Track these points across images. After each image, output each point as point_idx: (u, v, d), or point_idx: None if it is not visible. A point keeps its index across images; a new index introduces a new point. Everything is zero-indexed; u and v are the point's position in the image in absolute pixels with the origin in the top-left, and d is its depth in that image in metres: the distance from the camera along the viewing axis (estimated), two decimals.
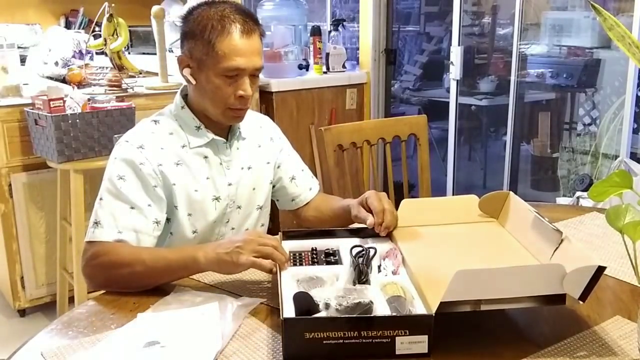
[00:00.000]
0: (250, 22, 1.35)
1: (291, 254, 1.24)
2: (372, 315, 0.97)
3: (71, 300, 2.64)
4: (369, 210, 1.31)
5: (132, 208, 1.29)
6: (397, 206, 1.36)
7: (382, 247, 1.25)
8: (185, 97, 1.45)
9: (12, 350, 1.02)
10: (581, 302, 0.94)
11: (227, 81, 1.34)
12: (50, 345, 1.01)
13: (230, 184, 1.45)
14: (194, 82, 1.38)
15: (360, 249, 1.22)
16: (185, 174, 1.38)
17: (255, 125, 1.55)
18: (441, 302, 0.93)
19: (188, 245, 1.35)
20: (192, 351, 0.97)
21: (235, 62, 1.32)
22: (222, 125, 1.44)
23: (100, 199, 1.31)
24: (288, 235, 1.32)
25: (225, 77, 1.33)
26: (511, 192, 1.32)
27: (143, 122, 1.44)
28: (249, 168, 1.49)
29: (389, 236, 1.30)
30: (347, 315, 0.96)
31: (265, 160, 1.54)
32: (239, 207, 1.48)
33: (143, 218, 1.30)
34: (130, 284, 1.21)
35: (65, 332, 1.06)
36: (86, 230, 1.31)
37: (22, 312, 2.76)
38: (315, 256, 1.24)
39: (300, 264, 1.21)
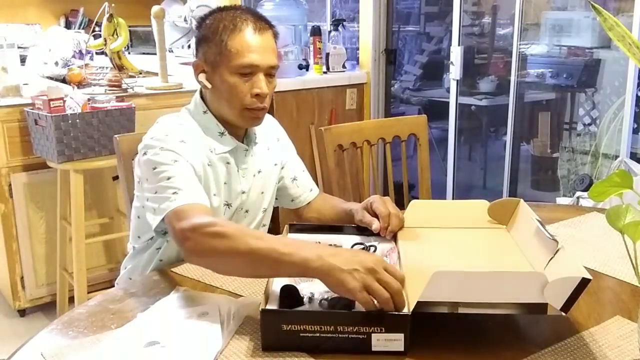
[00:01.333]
0: (262, 21, 1.38)
1: None
2: (348, 311, 0.97)
3: (71, 300, 2.64)
4: (374, 215, 1.31)
5: (196, 180, 1.29)
6: (400, 207, 1.36)
7: (384, 245, 1.25)
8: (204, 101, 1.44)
9: (12, 350, 1.01)
10: (563, 314, 0.93)
11: (242, 79, 1.34)
12: (50, 345, 1.01)
13: (243, 192, 1.45)
14: (209, 86, 1.38)
15: (362, 246, 1.22)
16: (211, 177, 1.38)
17: (264, 127, 1.54)
18: (419, 302, 0.93)
19: (293, 240, 1.19)
20: (192, 351, 0.97)
21: (249, 59, 1.33)
22: (240, 132, 1.44)
23: (168, 178, 1.25)
24: (295, 229, 1.33)
25: (240, 76, 1.34)
26: (522, 200, 1.32)
27: (167, 122, 1.40)
28: (259, 172, 1.49)
29: (393, 235, 1.30)
30: (323, 310, 0.98)
31: (273, 162, 1.54)
32: (247, 212, 1.48)
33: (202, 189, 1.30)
34: (229, 262, 1.10)
35: (65, 332, 1.06)
36: (129, 218, 1.26)
37: (22, 312, 2.76)
38: None
39: None
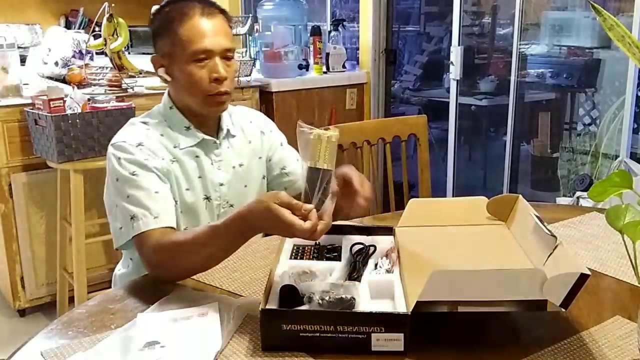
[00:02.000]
0: (211, 6, 1.38)
1: (294, 248, 1.25)
2: (348, 310, 0.97)
3: (71, 300, 2.64)
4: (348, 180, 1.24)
5: (156, 192, 1.30)
6: (400, 207, 1.36)
7: (384, 245, 1.25)
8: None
9: (12, 350, 1.01)
10: (563, 310, 0.93)
11: (198, 66, 1.35)
12: (50, 345, 1.01)
13: (222, 184, 1.45)
14: (169, 78, 1.40)
15: (361, 246, 1.22)
16: (179, 172, 1.39)
17: (245, 121, 1.55)
18: (418, 302, 0.93)
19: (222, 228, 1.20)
20: (192, 351, 0.97)
21: (201, 44, 1.33)
22: (210, 123, 1.45)
23: (127, 196, 1.28)
24: None
25: (196, 63, 1.35)
26: (520, 196, 1.32)
27: (132, 123, 1.44)
28: (240, 165, 1.49)
29: (393, 234, 1.30)
30: (323, 309, 0.97)
31: (257, 155, 1.53)
32: (232, 206, 1.48)
33: (168, 198, 1.32)
34: (187, 273, 1.22)
35: (65, 332, 1.06)
36: (111, 229, 1.31)
37: (22, 312, 2.76)
38: (317, 251, 1.24)
39: (301, 258, 1.22)
